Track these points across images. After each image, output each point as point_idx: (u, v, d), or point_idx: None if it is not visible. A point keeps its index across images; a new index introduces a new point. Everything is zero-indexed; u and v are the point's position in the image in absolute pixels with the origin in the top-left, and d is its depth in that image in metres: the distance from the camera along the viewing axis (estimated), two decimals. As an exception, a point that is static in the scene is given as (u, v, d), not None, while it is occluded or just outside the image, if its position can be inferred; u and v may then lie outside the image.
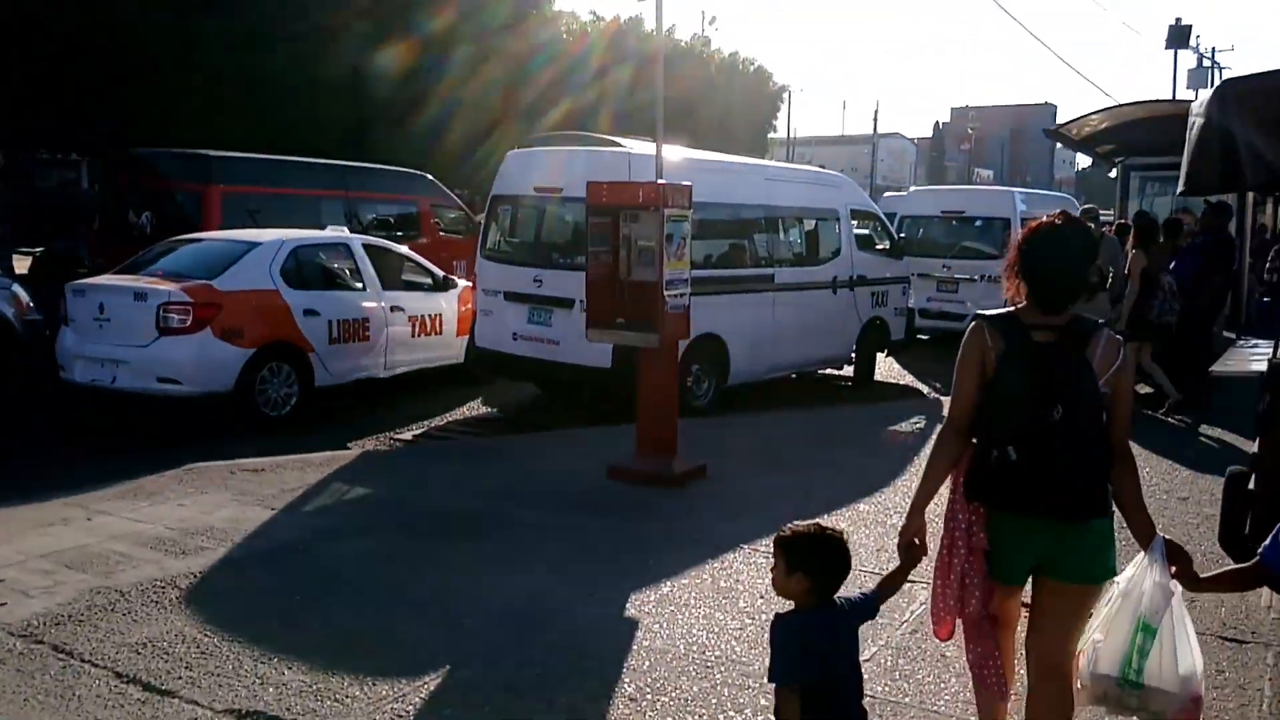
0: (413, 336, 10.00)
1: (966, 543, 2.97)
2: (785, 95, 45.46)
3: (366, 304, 9.56)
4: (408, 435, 8.61)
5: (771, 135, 46.03)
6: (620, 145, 9.19)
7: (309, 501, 6.27)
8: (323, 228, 12.84)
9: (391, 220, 14.07)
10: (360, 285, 9.66)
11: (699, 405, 9.58)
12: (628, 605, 4.70)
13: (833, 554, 2.65)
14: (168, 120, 21.14)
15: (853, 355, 11.78)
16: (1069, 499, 2.82)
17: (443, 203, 15.12)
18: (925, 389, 12.17)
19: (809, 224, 11.47)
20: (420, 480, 6.82)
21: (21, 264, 22.47)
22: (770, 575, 2.73)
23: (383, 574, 5.03)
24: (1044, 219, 2.95)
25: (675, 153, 9.80)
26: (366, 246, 10.09)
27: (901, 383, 12.61)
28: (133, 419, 8.70)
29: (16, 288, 9.86)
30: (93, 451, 7.89)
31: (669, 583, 4.97)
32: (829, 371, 12.05)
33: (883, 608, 2.87)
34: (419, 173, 15.09)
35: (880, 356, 12.46)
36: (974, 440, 2.96)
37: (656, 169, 6.72)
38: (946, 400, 3.68)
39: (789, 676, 2.60)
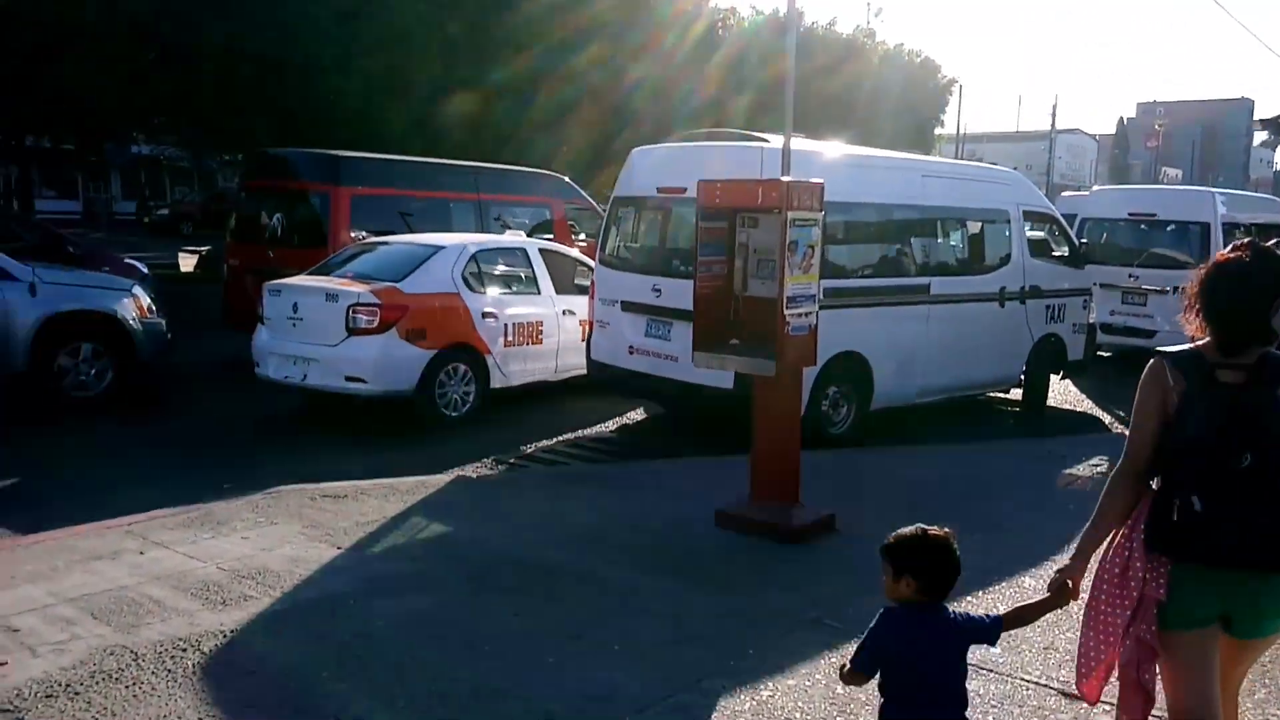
0: (583, 340, 9.60)
1: (1140, 593, 2.74)
2: (954, 88, 43.02)
3: (541, 308, 9.72)
4: (512, 458, 7.89)
5: (939, 131, 43.74)
6: (757, 140, 8.19)
7: (379, 539, 5.60)
8: (453, 227, 12.63)
9: (524, 223, 13.52)
10: (535, 289, 9.80)
11: (836, 433, 8.53)
12: (715, 714, 3.75)
13: (937, 555, 2.64)
14: (328, 121, 21.57)
15: (1021, 377, 10.39)
16: (1271, 551, 2.60)
17: (578, 205, 14.48)
18: (1107, 418, 10.62)
19: (973, 226, 10.16)
20: (505, 516, 6.05)
21: (188, 262, 23.47)
22: (883, 584, 2.69)
23: (428, 648, 4.25)
24: (1230, 252, 2.73)
25: (815, 147, 8.76)
26: (542, 250, 10.21)
27: (1079, 410, 11.09)
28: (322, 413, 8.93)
29: (139, 289, 9.73)
30: (215, 460, 7.52)
31: (771, 684, 3.99)
32: (995, 394, 10.69)
33: None
34: (552, 174, 14.51)
35: (1054, 379, 10.97)
36: (1153, 485, 2.80)
37: (783, 164, 5.72)
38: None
39: (862, 664, 2.65)
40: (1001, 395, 10.81)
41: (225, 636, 4.28)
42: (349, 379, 8.37)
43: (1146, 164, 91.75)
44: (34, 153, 28.38)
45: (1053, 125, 75.65)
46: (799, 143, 9.32)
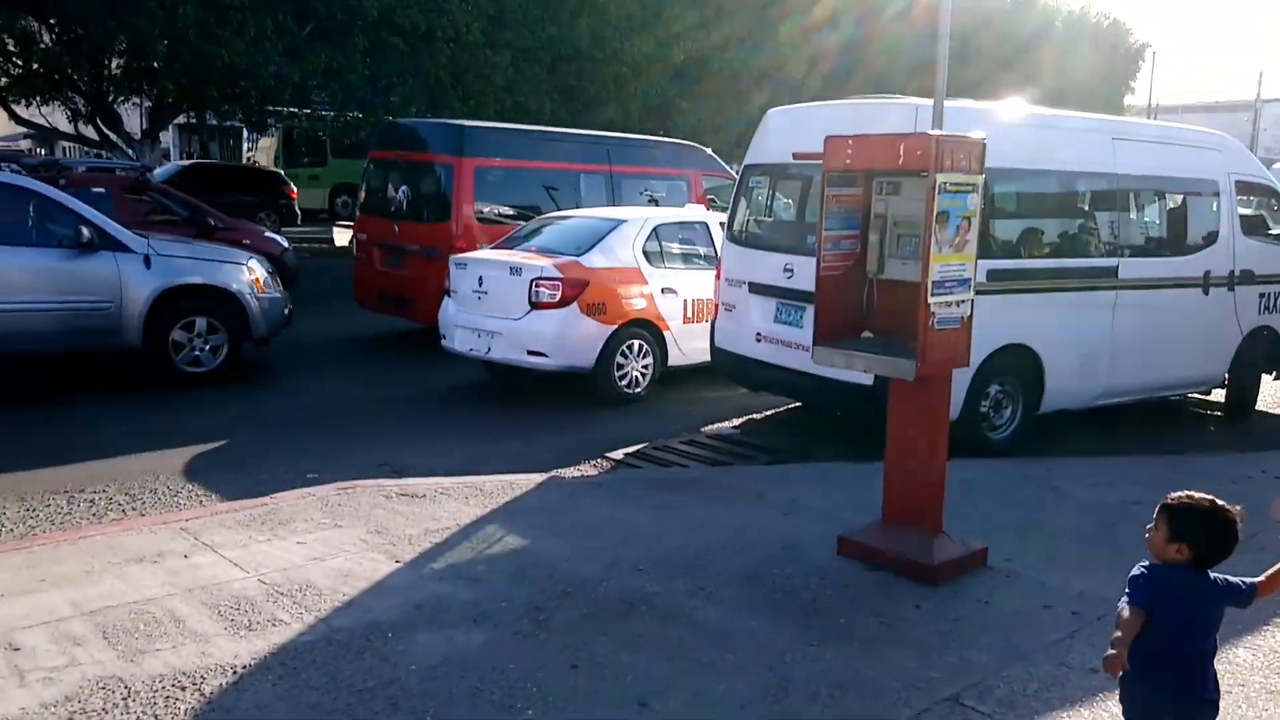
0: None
1: None
2: (1147, 54, 39.42)
3: None
4: (620, 454, 7.09)
5: (1129, 101, 40.24)
6: (912, 101, 7.05)
7: (443, 553, 4.89)
8: (583, 202, 11.94)
9: (658, 197, 12.67)
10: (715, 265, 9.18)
11: (997, 440, 7.35)
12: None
13: (1222, 531, 2.60)
14: (469, 95, 21.37)
15: (1226, 377, 8.81)
16: None
17: (720, 177, 13.50)
18: (1332, 428, 8.92)
19: (1174, 199, 8.66)
20: (593, 529, 5.24)
21: (343, 236, 23.83)
22: (1146, 537, 2.69)
23: (459, 706, 3.49)
24: None
25: (979, 105, 7.55)
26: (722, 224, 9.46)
27: (1296, 415, 9.39)
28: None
29: (255, 262, 9.43)
30: (316, 442, 7.08)
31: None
32: (1193, 396, 9.15)
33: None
34: (691, 144, 13.58)
35: (1266, 379, 9.29)
36: None
37: (935, 117, 4.64)
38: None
39: (1140, 599, 2.59)
40: (1199, 397, 9.24)
41: (234, 674, 3.64)
42: (530, 353, 8.34)
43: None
44: (209, 129, 29.67)
45: (1258, 94, 68.81)
46: (960, 103, 8.13)
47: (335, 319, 12.55)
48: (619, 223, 9.05)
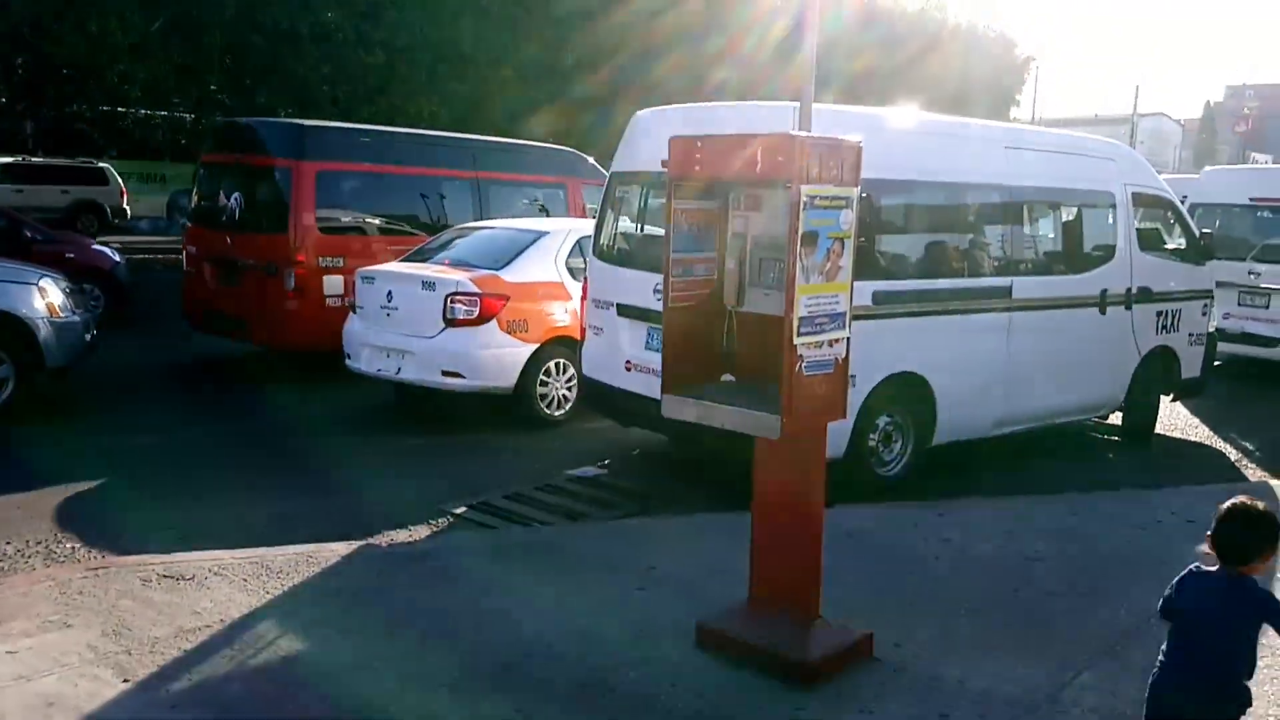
0: None
1: None
2: (1031, 67, 40.17)
3: None
4: (460, 508, 6.08)
5: (1014, 114, 40.91)
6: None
7: (195, 663, 3.81)
8: (445, 212, 10.90)
9: (532, 205, 11.70)
10: None
11: (885, 476, 6.63)
12: None
13: (1230, 522, 2.72)
14: (340, 97, 20.04)
15: (1124, 400, 8.28)
16: None
17: (599, 185, 12.59)
18: (1232, 453, 8.47)
19: (1067, 212, 8.09)
20: (394, 625, 4.22)
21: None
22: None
23: None
24: None
25: (863, 110, 6.84)
26: None
27: (1192, 439, 8.93)
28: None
29: (48, 281, 8.08)
30: (106, 496, 5.85)
31: None
32: (1091, 420, 8.61)
33: None
34: (568, 150, 12.63)
35: (1164, 401, 8.82)
36: None
37: (801, 118, 3.80)
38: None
39: (1164, 602, 2.82)
40: (1097, 421, 8.71)
41: None
42: (446, 373, 7.81)
43: (1234, 149, 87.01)
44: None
45: (1134, 109, 71.57)
46: (844, 107, 7.39)
47: (168, 341, 11.20)
48: (541, 234, 8.50)
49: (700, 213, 3.76)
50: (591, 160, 12.90)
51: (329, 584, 4.63)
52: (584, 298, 7.45)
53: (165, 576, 4.60)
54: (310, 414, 8.56)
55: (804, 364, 3.43)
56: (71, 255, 12.26)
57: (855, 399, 6.26)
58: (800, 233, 3.30)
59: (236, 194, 10.16)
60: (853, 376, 6.18)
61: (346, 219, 10.10)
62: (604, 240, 7.30)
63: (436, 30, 21.26)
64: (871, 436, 6.57)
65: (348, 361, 8.48)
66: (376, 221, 10.33)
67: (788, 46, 24.93)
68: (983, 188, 7.17)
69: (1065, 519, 5.90)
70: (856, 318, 6.12)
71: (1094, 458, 8.30)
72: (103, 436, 7.42)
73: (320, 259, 9.66)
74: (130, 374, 9.69)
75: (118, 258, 12.99)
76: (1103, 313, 7.83)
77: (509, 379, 7.94)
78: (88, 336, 8.34)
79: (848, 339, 3.63)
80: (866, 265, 6.46)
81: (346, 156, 10.14)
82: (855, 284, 6.04)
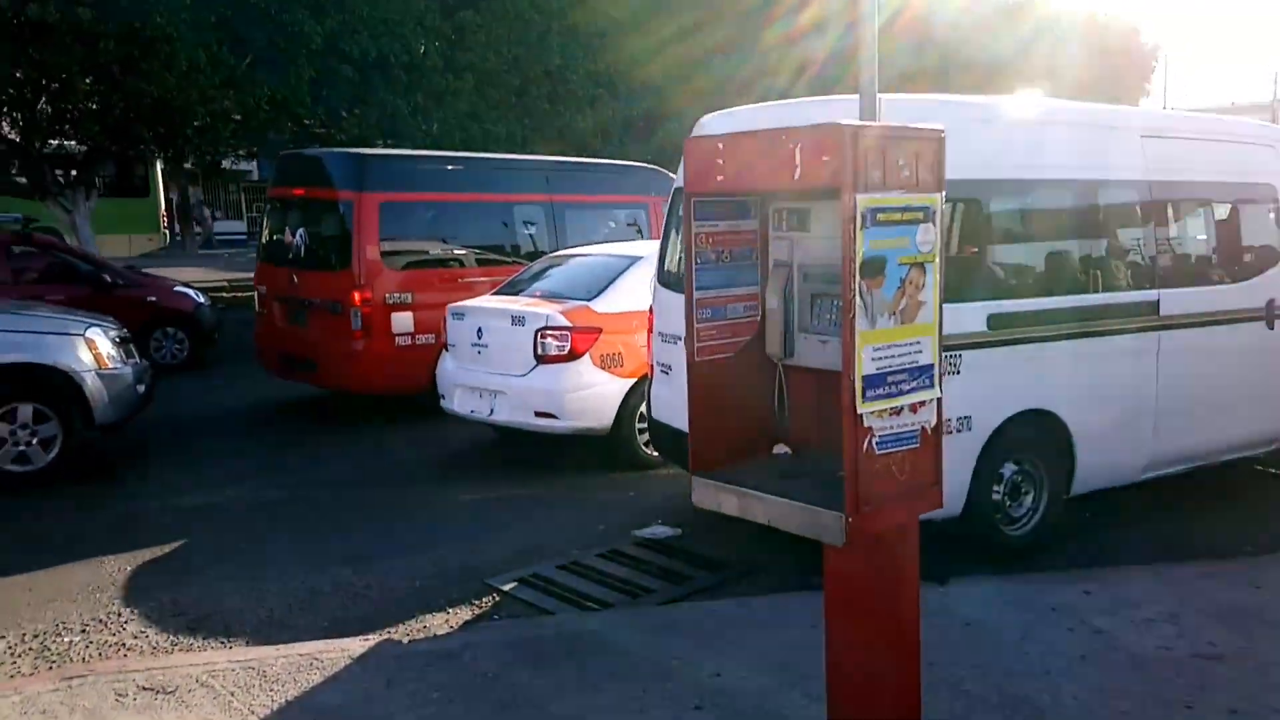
0: None
1: None
2: (1159, 56, 37.52)
3: None
4: (510, 583, 5.28)
5: (1145, 105, 38.26)
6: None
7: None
8: (518, 239, 10.30)
9: (618, 228, 10.95)
10: None
11: (1018, 537, 5.59)
12: None
13: None
14: (430, 123, 19.80)
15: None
16: None
17: (685, 202, 11.75)
18: None
19: (1220, 210, 6.83)
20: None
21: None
22: None
23: None
24: None
25: (958, 99, 5.81)
26: None
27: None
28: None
29: (96, 330, 7.68)
30: (148, 576, 5.32)
31: None
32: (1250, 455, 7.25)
33: None
34: (650, 167, 11.82)
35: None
36: None
37: (863, 105, 2.87)
38: None
39: None
40: (1265, 454, 7.33)
41: None
42: (539, 414, 7.38)
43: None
44: (189, 173, 28.25)
45: (1275, 94, 66.43)
46: (945, 98, 6.34)
47: (246, 386, 10.86)
48: (634, 259, 7.90)
49: (732, 235, 2.86)
50: (664, 172, 12.09)
51: (326, 699, 3.87)
52: (649, 330, 6.63)
53: (145, 689, 3.93)
54: (382, 463, 8.02)
55: (874, 438, 2.50)
56: (153, 299, 12.17)
57: (973, 444, 5.31)
58: (859, 260, 2.36)
59: (301, 229, 9.74)
60: (967, 418, 5.31)
61: (414, 252, 9.55)
62: (669, 265, 6.45)
63: (524, 51, 20.90)
64: (995, 489, 5.52)
65: (442, 402, 8.11)
66: (446, 253, 9.76)
67: (911, 44, 23.58)
68: (1118, 184, 6.04)
69: (1245, 595, 4.72)
70: (970, 347, 5.25)
71: (1268, 505, 6.93)
72: (142, 500, 6.93)
73: (387, 295, 9.13)
74: (192, 424, 9.32)
75: (201, 299, 12.82)
76: (1270, 327, 6.56)
77: (605, 418, 7.42)
78: (140, 388, 7.92)
79: (938, 399, 2.67)
80: (979, 283, 5.48)
81: (411, 186, 9.58)
82: (967, 306, 5.24)
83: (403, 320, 9.20)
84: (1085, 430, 5.69)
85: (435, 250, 9.71)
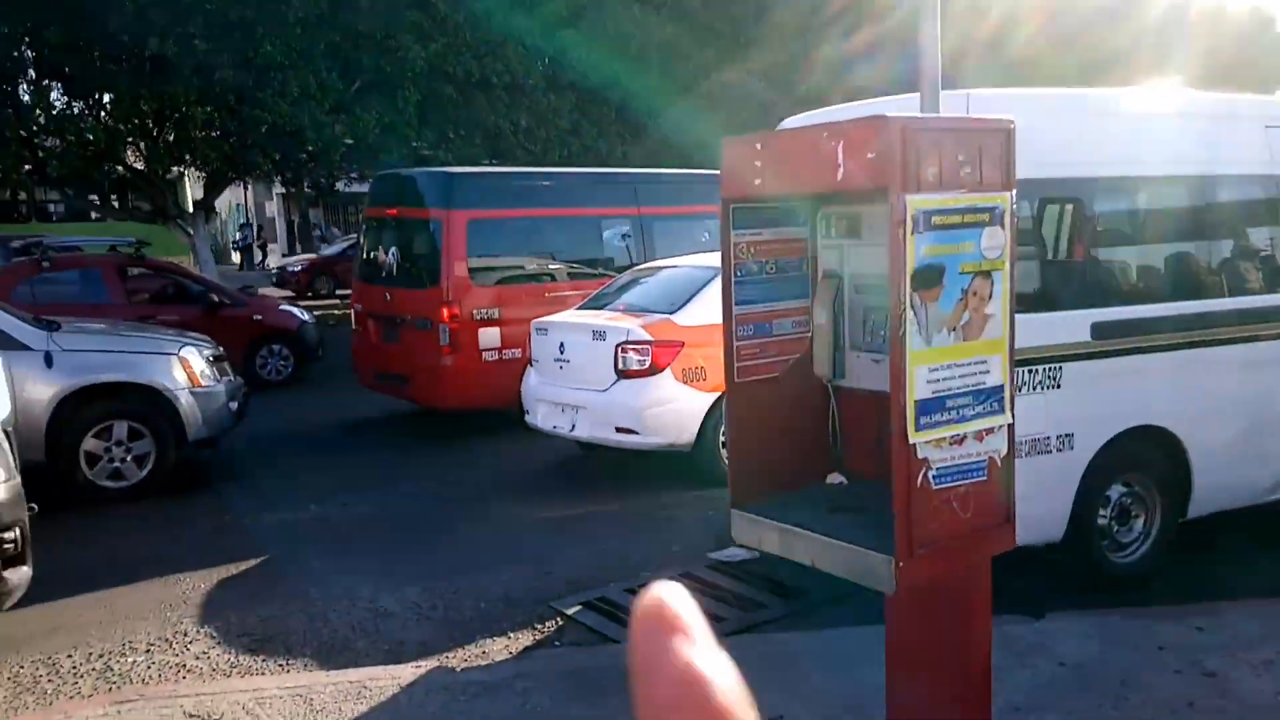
0: None
1: None
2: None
3: None
4: (574, 607, 5.10)
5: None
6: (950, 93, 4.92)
7: None
8: (606, 253, 10.19)
9: (706, 239, 10.71)
10: None
11: (1125, 565, 5.13)
12: None
13: None
14: (533, 141, 19.98)
15: None
16: None
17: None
18: None
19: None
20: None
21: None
22: None
23: None
24: None
25: (1063, 92, 5.39)
26: None
27: None
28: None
29: (190, 349, 7.87)
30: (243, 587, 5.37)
31: None
32: None
33: None
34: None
35: None
36: None
37: (923, 97, 2.58)
38: None
39: None
40: None
41: None
42: (620, 430, 7.27)
43: None
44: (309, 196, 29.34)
45: None
46: (1041, 91, 5.90)
47: (345, 402, 10.99)
48: (719, 271, 7.38)
49: (777, 244, 2.60)
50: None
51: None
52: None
53: (191, 716, 3.88)
54: (467, 478, 7.97)
55: (930, 471, 2.20)
56: (259, 318, 12.49)
57: (1075, 464, 4.90)
58: (909, 269, 2.08)
59: (393, 248, 9.84)
60: (1069, 435, 4.89)
61: (502, 268, 9.52)
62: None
63: (624, 65, 20.88)
64: (1101, 513, 5.09)
65: (526, 418, 8.07)
66: (533, 269, 9.71)
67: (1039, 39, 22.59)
68: (1238, 180, 5.52)
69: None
70: (1072, 358, 4.83)
71: None
72: (228, 516, 7.03)
73: (475, 311, 9.12)
74: (288, 439, 9.47)
75: (306, 317, 13.11)
76: None
77: (688, 434, 7.23)
78: (233, 405, 8.07)
79: (1009, 424, 2.35)
80: (1082, 289, 5.07)
81: (498, 202, 9.55)
82: (1070, 314, 4.84)
83: (490, 336, 9.18)
84: (1203, 447, 5.19)
85: (523, 266, 9.67)
